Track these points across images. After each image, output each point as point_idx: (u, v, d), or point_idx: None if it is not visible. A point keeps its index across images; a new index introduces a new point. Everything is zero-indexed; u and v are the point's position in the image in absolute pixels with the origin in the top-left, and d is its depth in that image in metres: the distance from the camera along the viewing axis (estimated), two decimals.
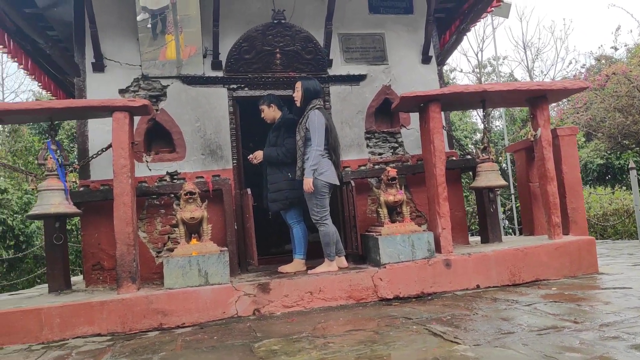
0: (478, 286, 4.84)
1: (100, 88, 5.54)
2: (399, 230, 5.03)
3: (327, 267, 4.92)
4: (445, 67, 11.82)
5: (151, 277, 5.36)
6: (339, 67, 6.16)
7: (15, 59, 7.19)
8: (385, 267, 4.77)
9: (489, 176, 5.65)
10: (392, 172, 5.19)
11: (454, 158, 6.15)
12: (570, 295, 4.15)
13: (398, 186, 5.24)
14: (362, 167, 5.90)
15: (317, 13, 6.08)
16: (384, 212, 5.23)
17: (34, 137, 15.04)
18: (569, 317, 3.35)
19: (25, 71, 7.63)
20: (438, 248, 5.09)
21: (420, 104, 5.33)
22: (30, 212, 4.75)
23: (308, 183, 4.83)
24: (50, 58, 7.02)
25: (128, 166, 4.65)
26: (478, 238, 6.78)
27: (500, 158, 15.97)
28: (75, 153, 10.93)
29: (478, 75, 23.10)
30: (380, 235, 4.97)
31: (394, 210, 5.30)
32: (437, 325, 3.45)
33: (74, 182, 6.12)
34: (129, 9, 5.52)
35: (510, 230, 15.11)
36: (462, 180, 7.58)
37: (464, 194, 6.90)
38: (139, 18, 5.25)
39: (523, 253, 5.00)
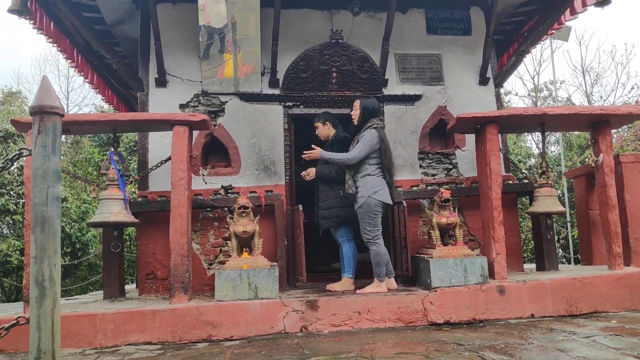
0: (533, 315, 4.67)
1: (161, 102, 5.74)
2: (451, 253, 4.93)
3: (377, 288, 4.86)
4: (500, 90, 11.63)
5: (202, 289, 5.44)
6: (394, 86, 6.16)
7: (82, 73, 7.57)
8: (436, 291, 4.67)
9: (547, 201, 5.48)
10: (446, 194, 5.11)
11: (510, 182, 6.01)
12: (632, 329, 3.94)
13: (451, 208, 5.15)
14: (415, 188, 5.84)
15: (374, 33, 6.13)
16: (436, 234, 5.15)
17: (94, 148, 15.67)
18: (632, 351, 3.18)
19: (91, 85, 8.01)
20: (491, 274, 4.95)
21: (477, 125, 5.25)
22: (91, 220, 4.93)
23: (318, 153, 5.03)
24: (115, 73, 7.34)
25: (185, 179, 4.77)
26: (533, 265, 6.56)
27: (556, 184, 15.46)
28: (133, 165, 11.33)
29: (534, 99, 22.58)
30: (432, 257, 4.89)
31: (447, 233, 5.21)
32: (490, 353, 3.34)
33: (133, 192, 6.33)
34: (191, 28, 5.71)
35: (565, 260, 14.55)
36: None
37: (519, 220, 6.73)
38: (200, 37, 5.43)
39: (581, 283, 4.80)
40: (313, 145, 5.16)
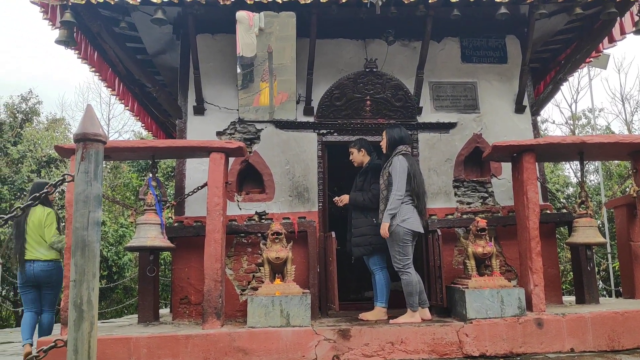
0: (572, 350, 4.50)
1: (199, 130, 5.87)
2: (487, 284, 4.82)
3: (410, 318, 4.77)
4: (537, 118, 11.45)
5: (235, 315, 5.45)
6: (429, 114, 6.14)
7: (123, 101, 7.82)
8: (471, 322, 4.56)
9: (587, 232, 5.32)
10: (482, 223, 5.03)
11: (548, 211, 5.87)
12: None
13: (487, 238, 5.06)
14: (450, 216, 5.76)
15: (408, 62, 6.16)
16: (471, 264, 5.05)
17: (132, 174, 16.06)
18: None
19: (131, 112, 8.26)
20: (529, 306, 4.81)
21: (514, 153, 5.18)
22: (128, 244, 5.02)
23: (384, 228, 4.78)
24: (154, 101, 7.57)
25: (221, 204, 4.83)
26: (572, 298, 6.35)
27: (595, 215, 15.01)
28: (169, 190, 11.56)
29: (571, 127, 22.15)
30: (467, 288, 4.79)
31: (482, 263, 5.11)
32: None
33: (169, 217, 6.44)
34: (229, 57, 5.85)
35: (606, 292, 14.02)
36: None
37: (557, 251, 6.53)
38: (238, 67, 5.55)
39: (623, 317, 4.61)
40: (335, 200, 5.33)
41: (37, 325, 5.34)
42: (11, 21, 37.22)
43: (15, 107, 15.57)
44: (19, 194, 13.46)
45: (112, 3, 4.94)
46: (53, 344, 2.01)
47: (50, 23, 5.37)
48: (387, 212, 4.79)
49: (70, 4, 4.96)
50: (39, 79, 33.93)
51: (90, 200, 1.86)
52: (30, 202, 2.06)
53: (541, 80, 7.35)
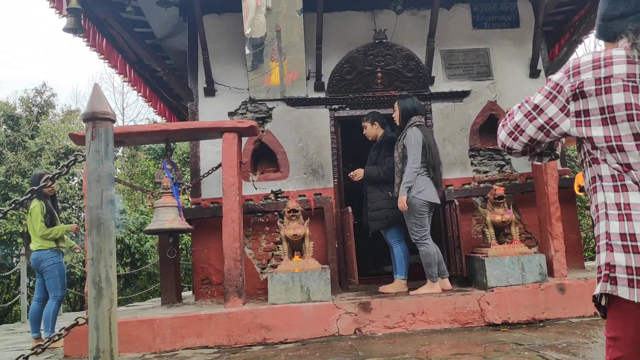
0: (596, 314, 4.46)
1: (211, 111, 5.86)
2: (507, 251, 4.79)
3: (430, 289, 4.77)
4: None
5: (255, 293, 5.50)
6: (441, 84, 6.05)
7: (135, 87, 7.83)
8: (492, 291, 4.55)
9: None
10: (500, 191, 4.98)
11: (567, 176, 5.78)
12: None
13: (506, 205, 5.01)
14: (467, 186, 5.70)
15: (418, 31, 6.05)
16: (490, 232, 5.01)
17: (149, 161, 16.17)
18: None
19: (143, 98, 8.28)
20: (550, 272, 4.78)
21: None
22: (147, 228, 5.08)
23: (402, 201, 4.74)
24: (166, 85, 7.56)
25: (236, 184, 4.84)
26: (594, 263, 6.28)
27: None
28: (186, 176, 11.63)
29: None
30: (487, 256, 4.76)
31: (502, 231, 5.07)
32: (551, 353, 3.21)
33: (187, 199, 6.48)
34: (237, 37, 5.80)
35: None
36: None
37: (579, 217, 6.44)
38: (246, 48, 5.51)
39: None
40: (350, 174, 5.30)
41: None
42: (26, 19, 37.45)
43: (30, 100, 15.71)
44: None
45: None
46: (75, 322, 2.04)
47: (57, 11, 5.37)
48: (404, 184, 4.75)
49: None
50: (52, 72, 34.19)
51: (103, 179, 1.87)
52: (27, 195, 2.08)
53: (555, 43, 7.18)
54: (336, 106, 5.96)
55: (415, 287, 4.88)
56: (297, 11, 5.37)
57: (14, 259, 12.98)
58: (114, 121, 1.93)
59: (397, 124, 5.11)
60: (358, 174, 5.29)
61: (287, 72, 5.71)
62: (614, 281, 1.33)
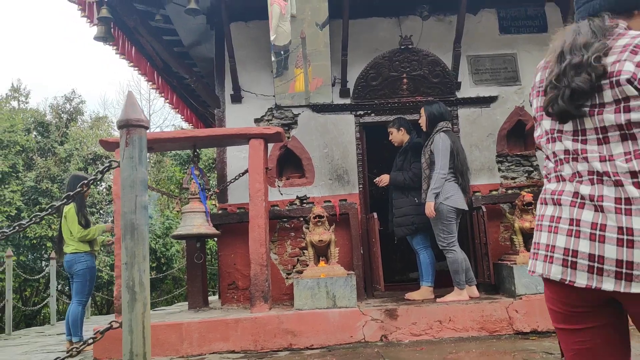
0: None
1: (237, 118, 5.92)
2: None
3: (457, 296, 4.72)
4: None
5: (281, 298, 5.51)
6: (468, 89, 6.00)
7: (162, 94, 7.96)
8: (521, 299, 4.49)
9: None
10: (528, 197, 4.91)
11: None
12: None
13: (534, 212, 4.93)
14: (494, 192, 5.64)
15: (443, 36, 6.02)
16: (519, 239, 4.95)
17: (175, 167, 16.39)
18: None
19: (170, 105, 8.40)
20: None
21: None
22: (175, 232, 5.14)
23: (429, 207, 4.70)
24: (193, 92, 7.67)
25: (262, 190, 4.88)
26: None
27: None
28: (213, 181, 11.75)
29: None
30: (515, 264, 4.71)
31: (530, 238, 4.99)
32: None
33: (213, 205, 6.55)
34: (263, 45, 5.86)
35: None
36: None
37: None
38: (273, 55, 5.55)
39: None
40: (375, 180, 5.29)
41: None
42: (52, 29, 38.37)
43: (60, 107, 16.06)
44: None
45: None
46: (109, 325, 2.07)
47: (88, 20, 5.49)
48: (431, 190, 4.72)
49: (105, 0, 5.06)
50: (80, 80, 34.93)
51: (137, 185, 1.90)
52: (64, 201, 2.12)
53: None
54: (361, 112, 5.96)
55: (442, 294, 4.83)
56: (318, 24, 5.40)
57: (44, 263, 13.28)
58: (147, 128, 1.96)
59: (424, 129, 5.09)
60: (384, 179, 5.28)
61: (312, 78, 5.73)
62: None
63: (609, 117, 1.31)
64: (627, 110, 1.29)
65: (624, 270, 1.26)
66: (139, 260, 1.88)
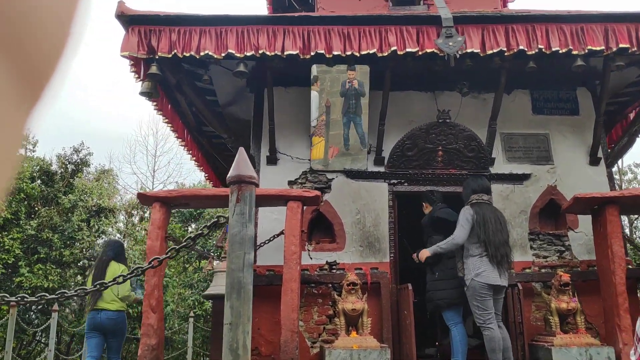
0: None
1: (271, 179, 5.93)
2: (573, 342, 4.62)
3: None
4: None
5: None
6: (501, 165, 6.08)
7: (190, 152, 8.02)
8: None
9: None
10: (565, 277, 4.87)
11: (630, 266, 5.64)
12: None
13: (571, 293, 4.88)
14: (527, 270, 5.58)
15: (478, 113, 6.16)
16: (555, 320, 4.86)
17: (176, 224, 16.17)
18: None
19: (196, 162, 8.44)
20: None
21: (595, 206, 5.05)
22: (206, 292, 5.03)
23: (423, 253, 4.93)
24: (223, 152, 7.72)
25: (298, 253, 4.81)
26: None
27: None
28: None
29: (618, 182, 21.62)
30: (553, 345, 4.59)
31: (565, 320, 4.92)
32: None
33: None
34: (300, 110, 5.98)
35: None
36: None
37: None
38: (312, 121, 5.65)
39: None
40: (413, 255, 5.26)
41: None
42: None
43: (67, 158, 16.04)
44: (69, 242, 13.69)
45: (197, 57, 5.13)
46: None
47: (136, 75, 5.60)
48: (437, 246, 4.83)
49: (157, 57, 5.17)
50: (86, 134, 35.30)
51: (246, 242, 1.88)
52: (148, 266, 2.08)
53: (611, 129, 7.25)
54: (395, 181, 5.99)
55: None
56: (339, 91, 5.55)
57: (32, 315, 12.80)
58: (257, 185, 1.95)
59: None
60: (422, 255, 5.17)
61: (329, 147, 5.81)
62: None
63: None
64: None
65: None
66: (244, 320, 1.82)
